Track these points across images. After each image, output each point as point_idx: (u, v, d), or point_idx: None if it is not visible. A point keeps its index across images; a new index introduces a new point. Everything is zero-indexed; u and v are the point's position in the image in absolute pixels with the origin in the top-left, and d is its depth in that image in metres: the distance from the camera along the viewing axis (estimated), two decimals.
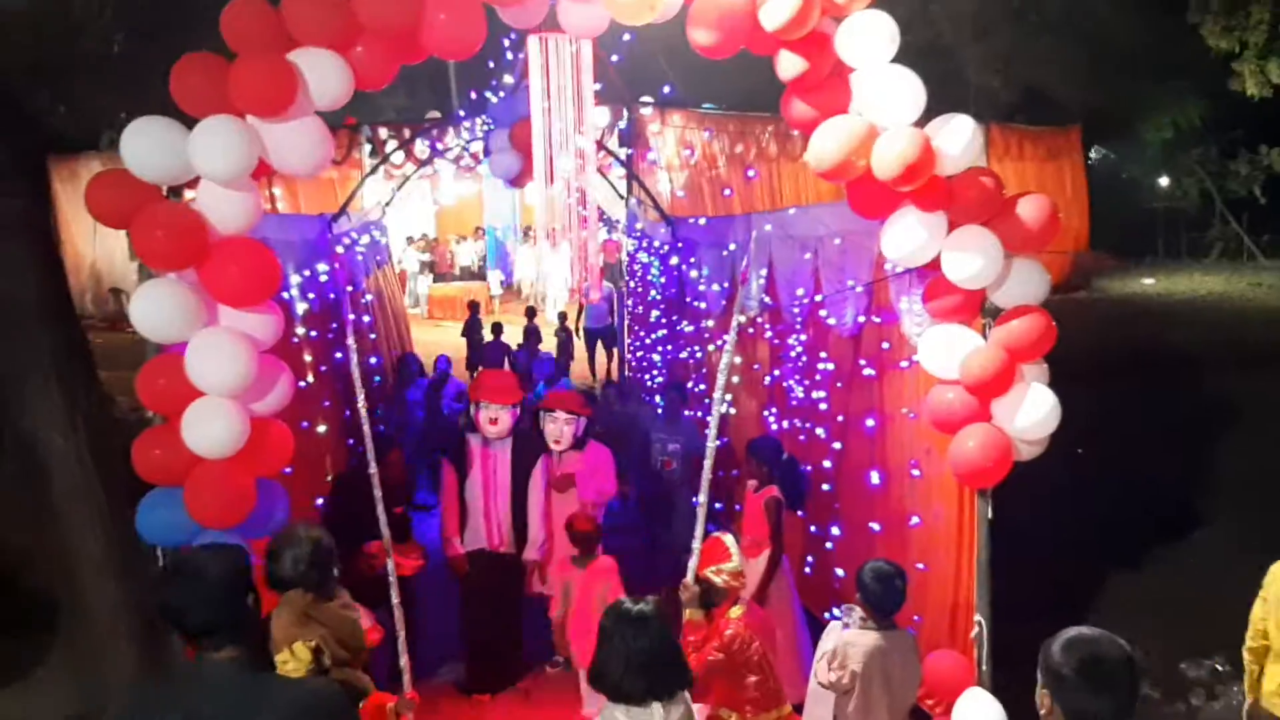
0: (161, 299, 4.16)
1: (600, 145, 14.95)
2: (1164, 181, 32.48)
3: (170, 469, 4.29)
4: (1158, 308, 20.31)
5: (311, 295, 8.26)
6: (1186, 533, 8.93)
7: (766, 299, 7.31)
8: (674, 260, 10.30)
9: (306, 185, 17.26)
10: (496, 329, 15.98)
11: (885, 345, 5.70)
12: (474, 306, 17.20)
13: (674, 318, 10.77)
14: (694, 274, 9.06)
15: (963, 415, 4.77)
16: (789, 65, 4.54)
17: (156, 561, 4.66)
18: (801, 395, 6.91)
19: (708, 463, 5.18)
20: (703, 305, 9.34)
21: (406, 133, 17.62)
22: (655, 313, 11.79)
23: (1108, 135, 31.57)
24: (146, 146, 4.07)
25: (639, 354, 13.05)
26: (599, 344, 16.80)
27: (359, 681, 3.90)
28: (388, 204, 16.29)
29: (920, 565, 5.50)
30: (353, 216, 11.65)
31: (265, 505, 4.50)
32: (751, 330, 8.04)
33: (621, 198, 15.67)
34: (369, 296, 11.76)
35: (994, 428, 4.75)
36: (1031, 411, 4.66)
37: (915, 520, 5.53)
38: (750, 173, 17.21)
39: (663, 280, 11.46)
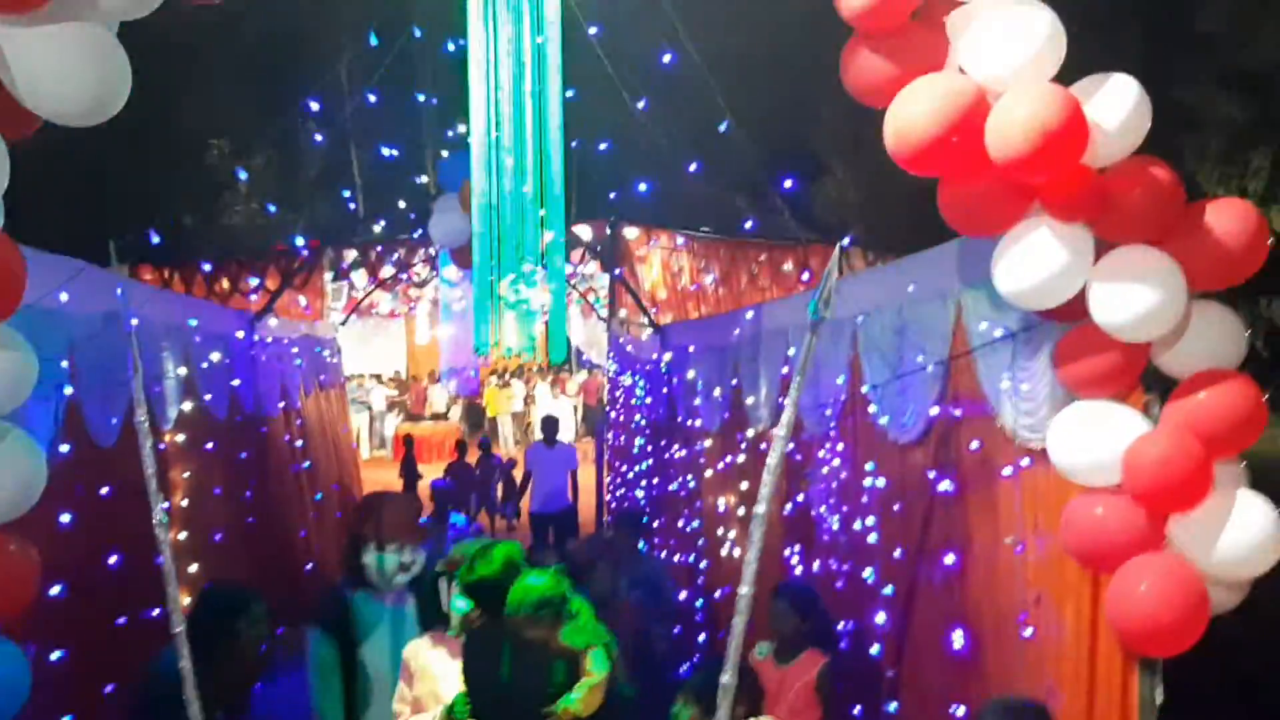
0: None
1: (585, 254, 13.63)
2: None
3: None
4: None
5: (208, 396, 6.56)
6: None
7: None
8: (663, 368, 8.66)
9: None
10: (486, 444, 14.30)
11: (974, 445, 3.98)
12: (408, 442, 15.40)
13: (661, 444, 9.06)
14: (689, 375, 7.41)
15: (1127, 541, 3.04)
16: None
17: None
18: (835, 527, 5.17)
19: (738, 624, 3.30)
20: (697, 423, 7.66)
21: (373, 253, 16.30)
22: (640, 441, 10.08)
23: None
24: None
25: (619, 492, 11.24)
26: (549, 532, 10.53)
27: None
28: (355, 307, 15.01)
29: None
30: (286, 324, 10.06)
31: None
32: (764, 446, 6.33)
33: (604, 320, 14.20)
34: (300, 419, 10.01)
35: (1178, 560, 3.02)
36: (1241, 534, 2.95)
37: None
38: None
39: (649, 401, 9.80)
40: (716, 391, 6.87)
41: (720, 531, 7.08)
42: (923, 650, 4.40)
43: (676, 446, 8.39)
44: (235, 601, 3.85)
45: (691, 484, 7.79)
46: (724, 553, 6.94)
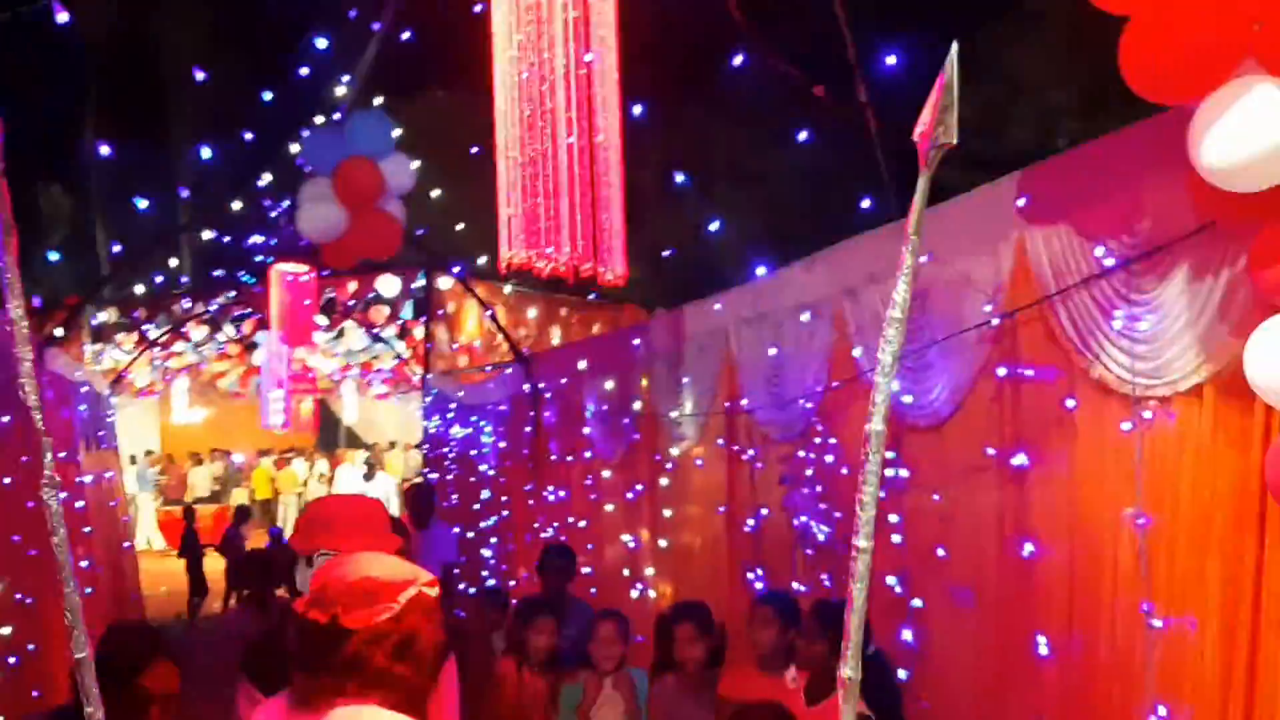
0: None
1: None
2: None
3: None
4: None
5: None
6: None
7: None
8: (532, 402, 7.74)
9: None
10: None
11: (1052, 408, 3.35)
12: (189, 514, 13.24)
13: (525, 489, 8.05)
14: (575, 404, 6.61)
15: None
16: None
17: None
18: (823, 537, 4.42)
19: (857, 593, 2.30)
20: (587, 454, 6.79)
21: (140, 312, 14.38)
22: (486, 493, 9.00)
23: None
24: None
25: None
26: None
27: None
28: (119, 377, 13.37)
29: None
30: (69, 363, 8.48)
31: None
32: (699, 462, 5.54)
33: (422, 371, 13.11)
34: (87, 477, 8.37)
35: None
36: None
37: (1161, 714, 3.03)
38: None
39: (502, 445, 8.78)
40: (626, 412, 6.04)
41: (628, 572, 6.20)
42: (977, 665, 3.69)
43: (552, 487, 7.45)
44: (147, 643, 2.71)
45: (580, 525, 6.86)
46: (635, 594, 6.05)
